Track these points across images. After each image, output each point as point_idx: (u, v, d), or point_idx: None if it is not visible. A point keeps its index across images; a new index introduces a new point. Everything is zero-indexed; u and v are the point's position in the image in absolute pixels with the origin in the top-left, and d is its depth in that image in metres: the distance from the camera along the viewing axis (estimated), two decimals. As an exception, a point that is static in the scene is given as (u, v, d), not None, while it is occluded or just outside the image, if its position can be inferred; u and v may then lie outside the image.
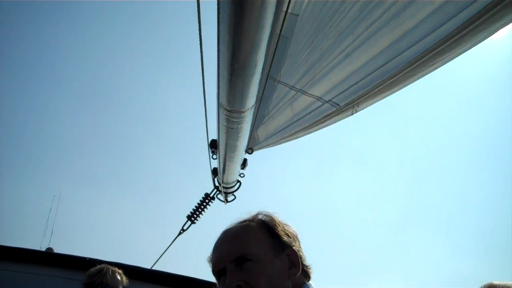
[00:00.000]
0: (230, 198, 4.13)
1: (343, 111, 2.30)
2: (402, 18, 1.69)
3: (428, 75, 1.79)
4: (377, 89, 1.99)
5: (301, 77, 2.55)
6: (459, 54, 1.60)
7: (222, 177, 3.54)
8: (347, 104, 2.23)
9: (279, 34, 1.96)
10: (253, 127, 2.91)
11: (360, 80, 2.04)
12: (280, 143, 3.18)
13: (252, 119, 2.45)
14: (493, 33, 1.44)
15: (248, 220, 1.28)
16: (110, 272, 2.70)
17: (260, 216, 1.28)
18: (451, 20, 1.47)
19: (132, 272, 2.97)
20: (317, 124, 2.60)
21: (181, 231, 4.32)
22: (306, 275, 1.24)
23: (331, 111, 2.36)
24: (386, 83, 1.91)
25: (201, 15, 1.54)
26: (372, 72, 1.95)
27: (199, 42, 1.70)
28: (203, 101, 2.38)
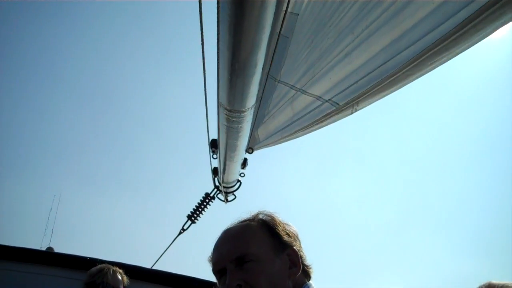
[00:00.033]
0: (230, 197, 4.13)
1: (342, 110, 2.31)
2: (401, 17, 1.69)
3: (428, 74, 1.80)
4: (376, 88, 1.99)
5: (301, 76, 2.56)
6: (458, 53, 1.60)
7: (223, 176, 3.55)
8: (347, 103, 2.23)
9: (279, 34, 1.96)
10: (253, 127, 2.91)
11: (360, 79, 2.04)
12: (280, 143, 3.18)
13: (252, 118, 2.45)
14: (493, 32, 1.44)
15: (248, 219, 1.28)
16: (111, 271, 2.70)
17: (260, 216, 1.28)
18: (450, 19, 1.48)
19: (133, 271, 2.97)
20: (317, 123, 2.61)
21: (181, 231, 4.32)
22: (306, 275, 1.25)
23: (331, 110, 2.36)
24: (385, 82, 1.92)
25: (202, 16, 1.54)
26: (372, 71, 1.96)
27: (200, 42, 1.70)
28: (204, 101, 2.38)
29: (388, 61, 1.83)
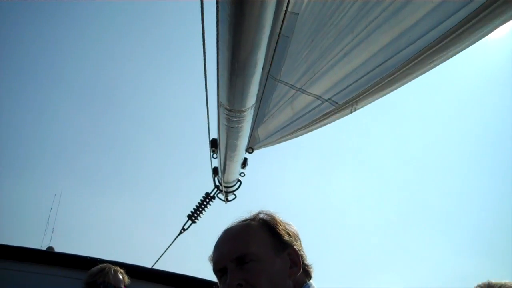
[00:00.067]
0: (230, 197, 4.13)
1: (342, 109, 2.31)
2: (401, 16, 1.69)
3: (428, 74, 1.80)
4: (375, 87, 2.00)
5: (301, 76, 2.56)
6: (457, 52, 1.60)
7: (223, 176, 3.55)
8: (346, 102, 2.24)
9: (279, 33, 1.96)
10: (253, 126, 2.91)
11: (359, 79, 2.05)
12: (280, 142, 3.19)
13: (253, 118, 2.46)
14: (492, 31, 1.44)
15: (249, 219, 1.28)
16: (112, 271, 2.70)
17: (261, 215, 1.28)
18: (450, 17, 1.48)
19: (133, 271, 2.97)
20: (317, 123, 2.61)
21: (182, 231, 4.32)
22: (307, 275, 1.25)
23: (330, 109, 2.37)
24: (385, 81, 1.92)
25: (204, 16, 1.54)
26: (371, 71, 1.96)
27: (202, 42, 1.70)
28: (205, 101, 2.38)
29: (388, 60, 1.84)
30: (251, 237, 1.20)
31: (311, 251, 1.29)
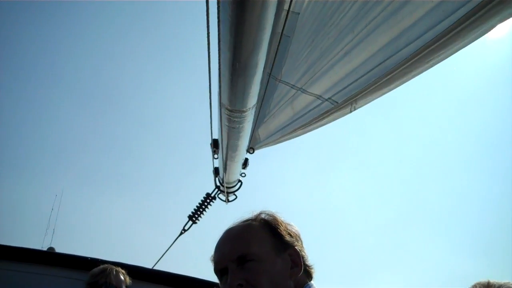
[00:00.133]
0: (231, 197, 4.12)
1: (341, 108, 2.32)
2: (400, 16, 1.70)
3: (427, 73, 1.81)
4: (374, 86, 2.00)
5: (302, 75, 2.56)
6: (456, 51, 1.61)
7: (224, 176, 3.55)
8: (345, 101, 2.24)
9: (281, 33, 1.96)
10: (254, 127, 2.91)
11: (359, 78, 2.05)
12: (281, 142, 3.19)
13: (254, 118, 2.46)
14: (490, 30, 1.45)
15: (250, 219, 1.28)
16: (114, 272, 2.69)
17: (262, 216, 1.28)
18: (449, 17, 1.48)
19: (134, 272, 2.97)
20: (316, 122, 2.61)
21: (182, 231, 4.31)
22: (308, 275, 1.24)
23: (330, 108, 2.37)
24: (384, 80, 1.93)
25: (209, 16, 1.53)
26: (371, 70, 1.96)
27: (207, 42, 1.69)
28: (209, 101, 2.37)
29: (388, 59, 1.84)
30: (252, 237, 1.20)
31: (312, 251, 1.29)
